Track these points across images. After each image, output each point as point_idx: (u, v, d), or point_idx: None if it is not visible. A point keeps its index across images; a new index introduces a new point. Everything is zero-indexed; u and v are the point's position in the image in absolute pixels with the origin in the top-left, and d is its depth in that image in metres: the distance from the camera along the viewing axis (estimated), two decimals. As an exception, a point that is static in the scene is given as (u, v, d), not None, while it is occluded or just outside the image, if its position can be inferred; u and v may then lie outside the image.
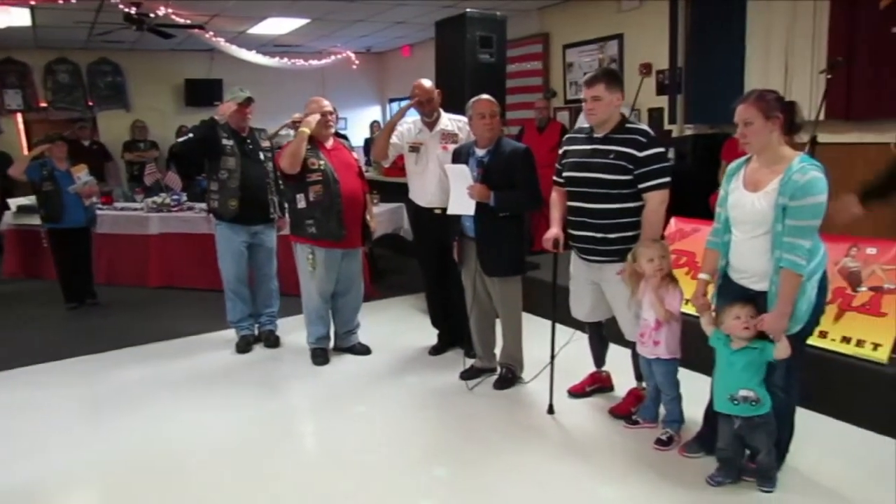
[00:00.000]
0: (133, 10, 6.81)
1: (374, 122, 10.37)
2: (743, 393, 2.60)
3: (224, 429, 3.50)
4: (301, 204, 4.14)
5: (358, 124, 11.53)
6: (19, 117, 9.80)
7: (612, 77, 3.20)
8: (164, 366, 4.44)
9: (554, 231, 3.39)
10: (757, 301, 2.60)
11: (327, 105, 4.25)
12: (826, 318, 3.34)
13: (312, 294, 4.31)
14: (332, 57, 10.89)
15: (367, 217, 4.40)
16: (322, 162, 4.14)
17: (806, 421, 3.05)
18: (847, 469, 2.89)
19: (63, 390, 4.07)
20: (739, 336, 2.60)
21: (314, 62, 10.56)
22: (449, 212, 3.76)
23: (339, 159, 4.26)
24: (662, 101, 6.77)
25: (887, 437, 3.11)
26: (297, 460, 3.18)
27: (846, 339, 3.33)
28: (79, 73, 9.94)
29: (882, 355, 3.18)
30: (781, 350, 2.53)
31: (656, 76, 6.82)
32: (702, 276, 2.85)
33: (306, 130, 4.07)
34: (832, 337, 3.37)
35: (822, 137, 4.54)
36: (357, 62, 11.18)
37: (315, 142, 4.17)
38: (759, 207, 2.53)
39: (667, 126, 6.65)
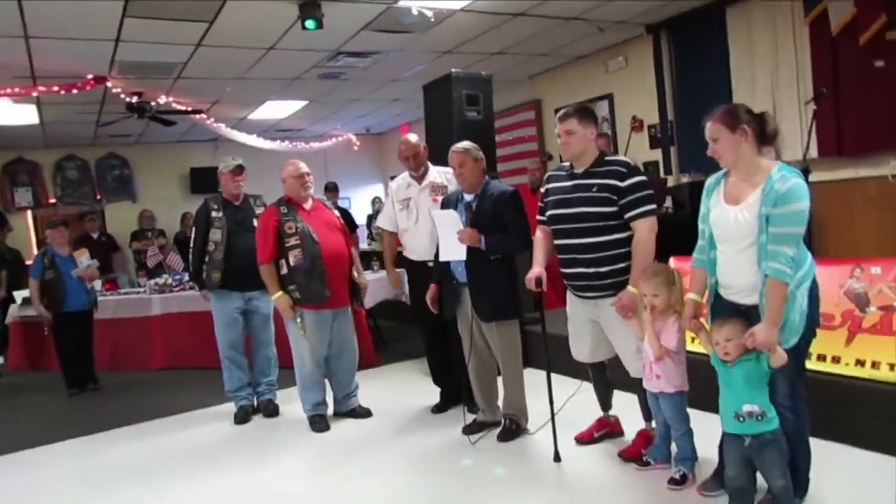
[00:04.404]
0: (134, 100, 7.02)
1: (376, 197, 10.52)
2: (747, 408, 2.44)
3: (217, 499, 3.35)
4: (283, 270, 4.10)
5: (361, 201, 11.67)
6: (29, 214, 10.04)
7: (584, 112, 3.22)
8: (158, 442, 4.30)
9: (536, 270, 3.32)
10: (749, 316, 2.48)
11: (304, 167, 4.23)
12: (837, 343, 3.23)
13: (305, 359, 4.18)
14: (333, 139, 11.15)
15: (355, 273, 4.33)
16: (300, 224, 4.09)
17: (825, 451, 2.87)
18: (876, 499, 2.68)
19: (53, 471, 3.94)
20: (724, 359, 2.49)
21: (315, 144, 10.79)
22: (441, 258, 3.71)
23: (320, 219, 4.22)
24: (656, 155, 6.83)
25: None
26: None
27: (860, 363, 3.17)
28: (87, 168, 10.31)
29: (899, 376, 3.01)
30: (777, 359, 2.39)
31: (648, 130, 6.90)
32: (690, 296, 2.75)
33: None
34: (845, 361, 3.21)
35: (818, 176, 4.50)
36: (357, 143, 11.42)
37: (293, 204, 4.16)
38: (743, 220, 2.46)
39: (662, 176, 6.67)
